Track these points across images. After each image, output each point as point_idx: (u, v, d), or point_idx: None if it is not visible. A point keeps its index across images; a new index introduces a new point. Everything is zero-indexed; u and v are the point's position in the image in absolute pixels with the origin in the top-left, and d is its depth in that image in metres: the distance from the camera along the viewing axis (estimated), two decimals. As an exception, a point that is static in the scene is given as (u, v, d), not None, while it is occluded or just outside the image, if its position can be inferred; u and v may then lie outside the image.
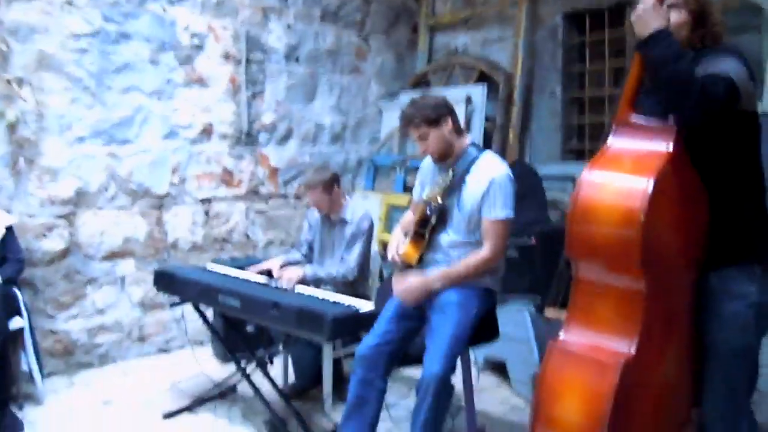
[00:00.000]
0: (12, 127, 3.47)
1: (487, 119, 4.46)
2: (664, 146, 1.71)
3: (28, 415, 3.12)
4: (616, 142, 1.81)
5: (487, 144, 4.42)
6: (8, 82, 3.42)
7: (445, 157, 2.46)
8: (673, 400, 1.87)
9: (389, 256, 2.53)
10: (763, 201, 1.88)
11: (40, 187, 3.60)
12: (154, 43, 3.97)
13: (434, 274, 2.39)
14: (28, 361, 3.24)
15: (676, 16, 1.84)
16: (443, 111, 2.42)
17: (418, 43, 5.23)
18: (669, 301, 1.76)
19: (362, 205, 4.67)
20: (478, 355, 3.64)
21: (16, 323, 3.11)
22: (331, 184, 3.22)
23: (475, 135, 4.37)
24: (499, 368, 3.63)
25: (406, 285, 2.39)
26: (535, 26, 4.40)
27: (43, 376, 3.33)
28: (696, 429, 1.94)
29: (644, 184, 1.64)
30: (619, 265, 1.70)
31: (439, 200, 2.35)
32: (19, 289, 3.26)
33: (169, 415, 3.15)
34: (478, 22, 4.82)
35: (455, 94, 4.41)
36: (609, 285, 1.74)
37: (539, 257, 3.37)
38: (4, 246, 3.20)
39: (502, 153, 4.41)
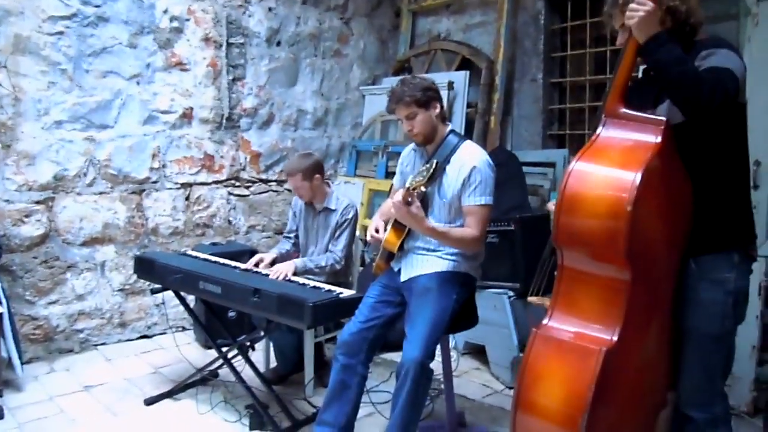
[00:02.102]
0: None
1: (469, 105, 4.46)
2: (652, 138, 1.73)
3: (8, 401, 3.11)
4: (605, 133, 1.83)
5: (469, 130, 4.43)
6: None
7: (427, 141, 2.49)
8: (652, 384, 1.92)
9: (367, 237, 2.56)
10: (747, 189, 1.92)
11: (17, 173, 3.56)
12: (133, 27, 3.91)
13: (430, 221, 2.35)
14: (7, 347, 3.23)
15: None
16: (433, 95, 2.47)
17: (399, 28, 5.21)
18: (652, 290, 1.79)
19: (344, 190, 4.69)
20: (458, 339, 3.69)
21: (-6, 310, 3.09)
22: (312, 172, 3.20)
23: (457, 121, 4.38)
24: (478, 352, 3.68)
25: (409, 208, 2.23)
26: (517, 12, 4.39)
27: (22, 363, 3.31)
28: (671, 411, 1.98)
29: (631, 177, 1.66)
30: (604, 255, 1.72)
31: (423, 189, 2.35)
32: (-2, 276, 3.24)
33: (150, 401, 3.15)
34: (461, 7, 4.81)
35: (437, 80, 4.36)
36: (594, 274, 1.77)
37: (519, 243, 3.40)
38: (-19, 232, 3.17)
39: (484, 139, 4.42)
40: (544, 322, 1.81)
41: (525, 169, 3.87)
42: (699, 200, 1.82)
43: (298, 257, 3.25)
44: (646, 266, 1.73)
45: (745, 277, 1.87)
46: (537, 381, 1.74)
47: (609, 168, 1.74)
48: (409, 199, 2.22)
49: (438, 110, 2.47)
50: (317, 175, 3.22)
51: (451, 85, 4.40)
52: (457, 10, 4.85)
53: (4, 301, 3.18)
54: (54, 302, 3.76)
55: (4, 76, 3.45)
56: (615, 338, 1.69)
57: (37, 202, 3.64)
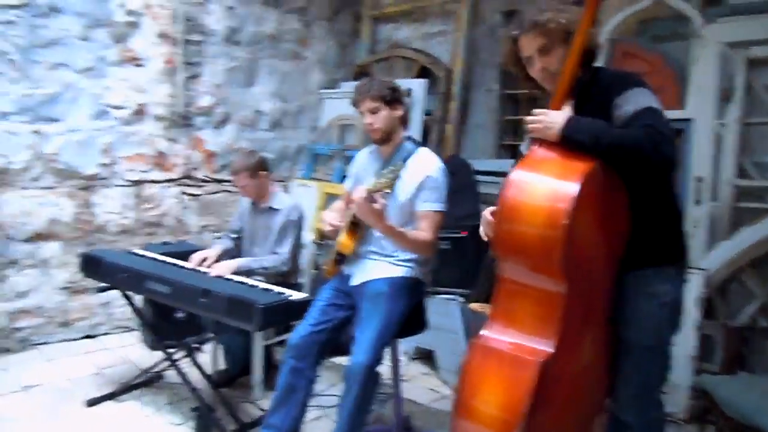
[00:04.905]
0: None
1: (426, 113, 4.52)
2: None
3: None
4: (545, 143, 1.82)
5: (425, 137, 4.48)
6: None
7: (385, 140, 2.52)
8: (588, 393, 1.96)
9: (325, 227, 2.54)
10: (677, 205, 1.99)
11: (-42, 164, 3.43)
12: (87, 19, 3.82)
13: (390, 221, 2.35)
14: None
15: (547, 58, 1.88)
16: (399, 96, 2.52)
17: (360, 34, 5.23)
18: (588, 301, 1.82)
19: (300, 193, 4.68)
20: (407, 344, 3.72)
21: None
22: (256, 170, 3.20)
23: (415, 128, 4.42)
24: (428, 357, 3.72)
25: (371, 204, 2.24)
26: (475, 22, 4.47)
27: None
28: (607, 418, 2.04)
29: (570, 188, 1.67)
30: (540, 265, 1.73)
31: (388, 191, 2.31)
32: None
33: (92, 402, 3.07)
34: (421, 15, 4.87)
35: (396, 87, 4.45)
36: (530, 285, 1.78)
37: (471, 251, 3.45)
38: None
39: (440, 147, 4.48)
40: (483, 332, 1.83)
41: (479, 178, 3.94)
42: (635, 215, 1.85)
43: (238, 257, 3.23)
44: (582, 278, 1.75)
45: (679, 290, 1.92)
46: (475, 389, 1.75)
47: (548, 178, 1.75)
48: (371, 198, 2.24)
49: (401, 113, 2.51)
50: (262, 172, 3.21)
51: (409, 93, 4.43)
52: (417, 18, 4.90)
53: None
54: (-7, 299, 3.64)
55: (-52, 64, 3.33)
56: (551, 350, 1.71)
57: (-21, 196, 3.52)
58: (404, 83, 4.49)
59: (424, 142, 4.45)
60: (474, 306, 2.40)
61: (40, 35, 3.64)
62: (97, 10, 3.86)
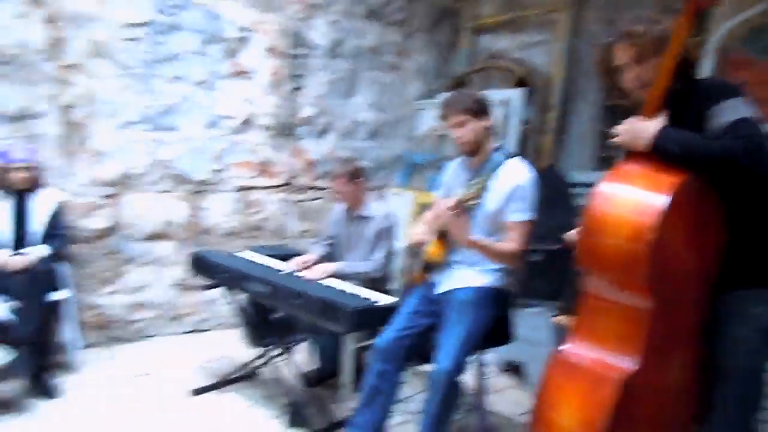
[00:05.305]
0: (65, 111, 3.67)
1: (524, 123, 4.48)
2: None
3: (64, 382, 3.31)
4: (636, 155, 1.79)
5: (522, 148, 4.45)
6: (63, 67, 3.62)
7: (473, 152, 2.54)
8: (674, 415, 1.89)
9: (412, 239, 2.61)
10: None
11: (88, 168, 3.80)
12: (203, 35, 4.12)
13: (476, 232, 2.41)
14: (68, 332, 3.44)
15: (640, 68, 1.84)
16: (485, 107, 2.53)
17: (458, 45, 5.27)
18: (675, 320, 1.76)
19: (395, 202, 4.77)
20: (496, 356, 3.70)
21: (56, 296, 3.30)
22: (354, 176, 3.31)
23: (512, 138, 4.40)
24: (517, 370, 3.68)
25: (458, 216, 2.31)
26: (576, 32, 4.39)
27: (81, 347, 3.53)
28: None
29: (658, 201, 1.63)
30: (625, 281, 1.70)
31: (475, 202, 2.36)
32: (65, 263, 3.46)
33: (198, 392, 3.30)
34: (521, 25, 4.84)
35: (494, 97, 4.43)
36: (615, 300, 1.74)
37: (564, 263, 3.39)
38: (53, 221, 3.40)
39: (537, 157, 4.43)
40: (565, 345, 1.81)
41: (575, 190, 3.86)
42: (732, 231, 1.78)
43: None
44: (670, 296, 1.70)
45: None
46: (555, 403, 1.74)
47: (636, 190, 1.71)
48: (459, 210, 2.28)
49: (488, 124, 2.53)
50: (359, 179, 3.32)
51: (507, 103, 4.43)
52: (516, 28, 4.88)
53: (67, 288, 3.40)
54: (113, 292, 3.99)
55: (82, 78, 3.70)
56: (634, 367, 1.67)
57: (104, 197, 3.88)
58: (502, 93, 4.52)
59: (521, 152, 4.42)
60: (559, 319, 2.37)
61: (161, 51, 3.97)
62: (212, 26, 4.15)
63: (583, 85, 4.39)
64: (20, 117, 3.55)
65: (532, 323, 3.39)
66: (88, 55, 3.71)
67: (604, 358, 1.72)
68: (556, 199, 3.66)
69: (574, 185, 3.88)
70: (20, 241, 3.31)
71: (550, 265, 3.45)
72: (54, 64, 3.60)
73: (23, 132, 3.56)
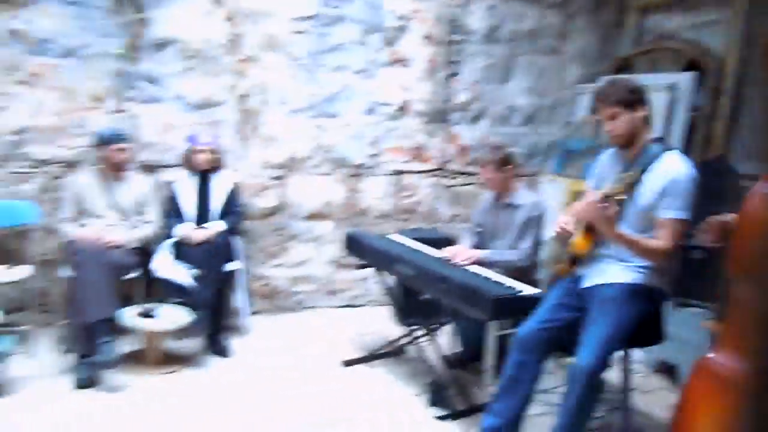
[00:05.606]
0: (241, 100, 4.06)
1: (693, 109, 4.17)
2: None
3: (236, 344, 3.70)
4: None
5: (689, 136, 4.15)
6: (240, 60, 4.00)
7: (626, 145, 2.45)
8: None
9: (556, 228, 2.56)
10: None
11: (259, 152, 4.18)
12: (364, 26, 4.31)
13: (624, 227, 2.36)
14: (240, 299, 3.85)
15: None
16: (639, 97, 2.41)
17: (624, 25, 4.99)
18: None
19: (548, 189, 4.69)
20: (649, 355, 3.54)
21: (230, 266, 3.69)
22: (502, 164, 3.29)
23: (679, 125, 4.12)
24: (670, 371, 3.50)
25: (603, 210, 2.28)
26: (755, 11, 3.97)
27: (250, 314, 3.93)
28: None
29: None
30: None
31: (622, 197, 2.31)
32: (239, 237, 3.86)
33: (348, 363, 3.55)
34: (693, 3, 4.46)
35: (660, 80, 4.19)
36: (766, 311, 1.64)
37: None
38: (230, 200, 3.80)
39: (706, 147, 4.12)
40: (710, 354, 1.72)
41: (745, 183, 3.54)
42: None
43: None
44: None
45: None
46: (694, 413, 1.67)
47: None
48: (606, 203, 2.23)
49: (642, 114, 2.41)
50: (508, 166, 3.30)
51: (674, 87, 4.15)
52: (688, 7, 4.51)
53: (240, 260, 3.79)
54: (279, 265, 4.37)
55: (257, 70, 4.06)
56: None
57: (273, 179, 4.24)
58: (669, 77, 4.24)
59: (689, 141, 4.13)
60: (709, 324, 2.24)
61: (326, 42, 4.22)
62: (373, 17, 4.33)
63: (761, 69, 3.97)
64: (204, 105, 4.00)
65: (689, 323, 3.21)
66: (262, 49, 4.06)
67: (749, 371, 1.62)
68: (725, 191, 3.39)
69: (745, 177, 3.56)
70: (202, 216, 3.74)
71: (711, 264, 3.22)
72: (232, 57, 3.99)
73: (207, 119, 4.00)
